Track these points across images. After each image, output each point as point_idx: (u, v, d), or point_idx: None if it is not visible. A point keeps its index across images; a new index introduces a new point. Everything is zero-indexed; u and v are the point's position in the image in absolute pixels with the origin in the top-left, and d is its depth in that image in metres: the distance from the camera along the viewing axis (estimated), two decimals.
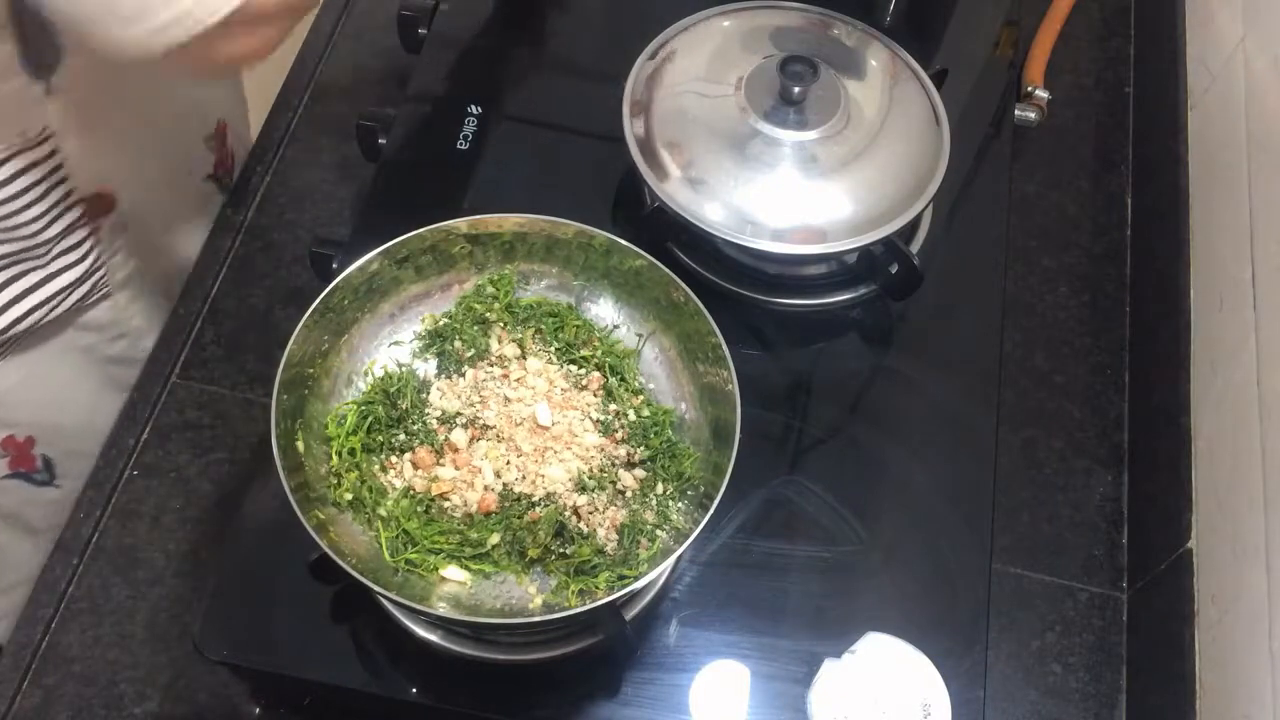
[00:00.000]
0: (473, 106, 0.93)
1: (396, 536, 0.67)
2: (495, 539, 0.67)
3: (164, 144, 0.91)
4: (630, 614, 0.71)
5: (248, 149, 1.01)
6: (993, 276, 0.89)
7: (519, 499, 0.68)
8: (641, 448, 0.71)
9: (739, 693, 0.72)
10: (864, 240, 0.81)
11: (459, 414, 0.71)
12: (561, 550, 0.68)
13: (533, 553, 0.67)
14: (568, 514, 0.68)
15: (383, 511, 0.68)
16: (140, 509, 0.83)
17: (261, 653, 0.72)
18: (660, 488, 0.70)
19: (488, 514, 0.68)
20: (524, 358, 0.74)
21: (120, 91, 0.80)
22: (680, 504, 0.70)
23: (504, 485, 0.69)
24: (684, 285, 0.72)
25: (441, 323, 0.75)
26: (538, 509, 0.68)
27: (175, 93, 0.91)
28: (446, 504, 0.69)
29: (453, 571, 0.67)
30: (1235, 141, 0.89)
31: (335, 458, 0.69)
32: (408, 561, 0.66)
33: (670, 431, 0.72)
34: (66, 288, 0.82)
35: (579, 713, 0.71)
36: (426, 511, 0.68)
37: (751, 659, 0.73)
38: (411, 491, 0.69)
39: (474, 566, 0.67)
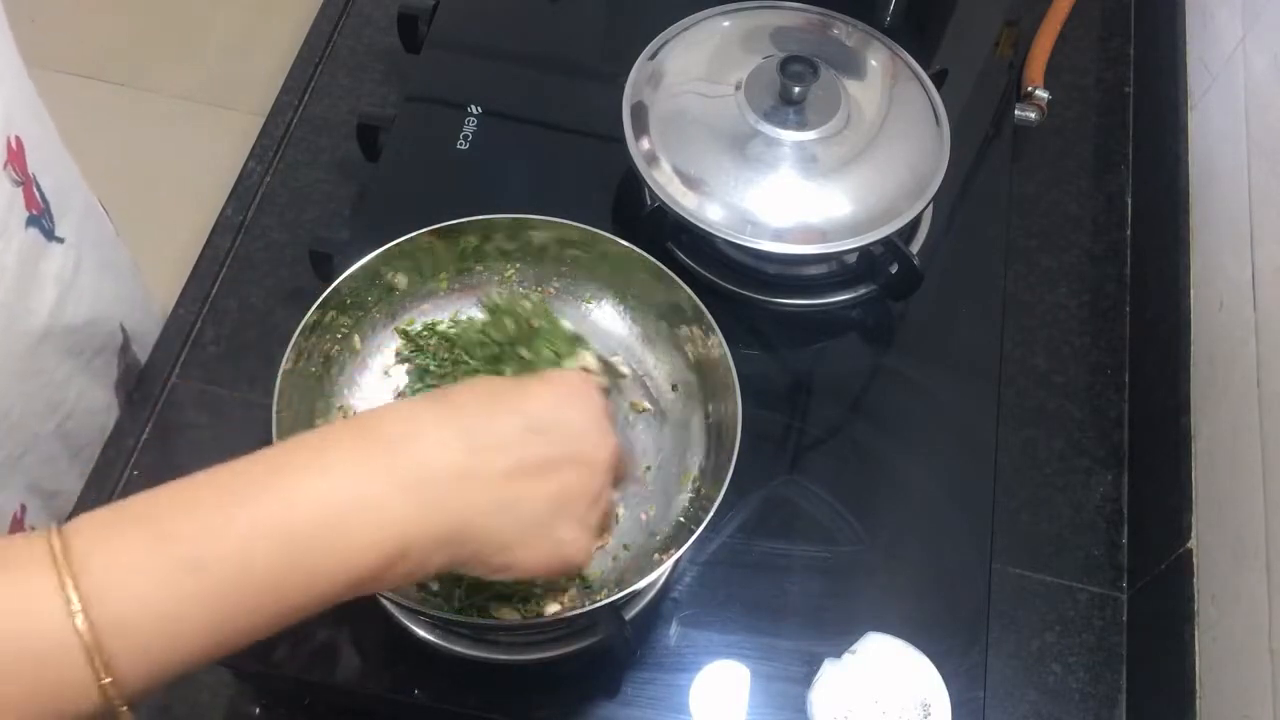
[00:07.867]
0: (473, 106, 0.93)
1: (463, 588, 0.66)
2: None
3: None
4: (630, 614, 0.71)
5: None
6: (993, 276, 0.89)
7: None
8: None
9: (739, 693, 0.72)
10: (864, 240, 0.81)
11: None
12: None
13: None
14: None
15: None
16: None
17: (261, 653, 0.71)
18: None
19: None
20: None
21: None
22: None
23: None
24: (684, 285, 0.72)
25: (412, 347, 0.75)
26: None
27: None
28: None
29: (506, 613, 0.66)
30: (1235, 141, 0.89)
31: None
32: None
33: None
34: None
35: (579, 713, 0.71)
36: None
37: (751, 659, 0.73)
38: None
39: (528, 611, 0.65)
